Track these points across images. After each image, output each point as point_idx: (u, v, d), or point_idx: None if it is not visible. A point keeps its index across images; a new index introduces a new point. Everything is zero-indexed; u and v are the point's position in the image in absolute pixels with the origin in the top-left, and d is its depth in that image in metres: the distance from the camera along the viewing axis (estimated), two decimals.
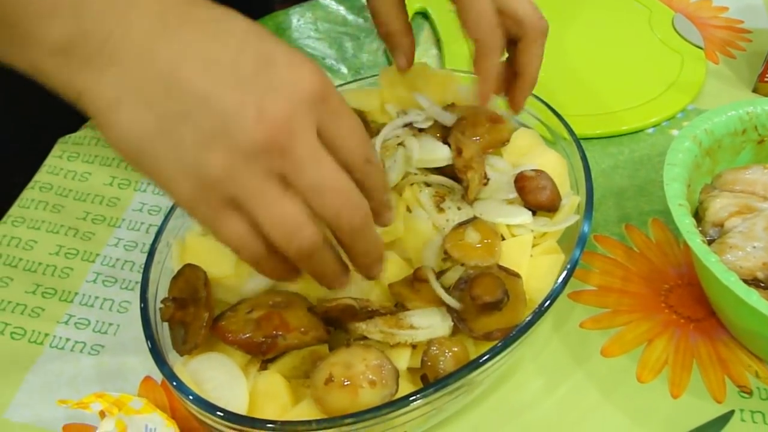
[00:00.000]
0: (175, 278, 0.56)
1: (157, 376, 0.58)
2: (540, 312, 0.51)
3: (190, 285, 0.54)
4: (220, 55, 0.42)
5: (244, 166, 0.41)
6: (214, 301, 0.54)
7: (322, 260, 0.46)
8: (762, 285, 0.57)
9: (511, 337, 0.50)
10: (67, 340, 0.63)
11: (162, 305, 0.54)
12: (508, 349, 0.50)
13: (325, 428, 0.46)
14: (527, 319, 0.51)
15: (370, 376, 0.49)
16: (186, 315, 0.53)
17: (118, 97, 0.41)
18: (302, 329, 0.51)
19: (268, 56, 0.42)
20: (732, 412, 0.56)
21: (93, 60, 0.41)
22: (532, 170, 0.61)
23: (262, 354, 0.51)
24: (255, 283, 0.56)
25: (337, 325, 0.53)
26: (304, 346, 0.52)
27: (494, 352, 0.49)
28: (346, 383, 0.48)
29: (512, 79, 0.63)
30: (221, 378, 0.50)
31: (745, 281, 0.54)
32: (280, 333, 0.51)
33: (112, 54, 0.41)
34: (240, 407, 0.49)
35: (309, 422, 0.46)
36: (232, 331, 0.50)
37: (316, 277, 0.48)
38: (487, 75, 0.60)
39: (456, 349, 0.51)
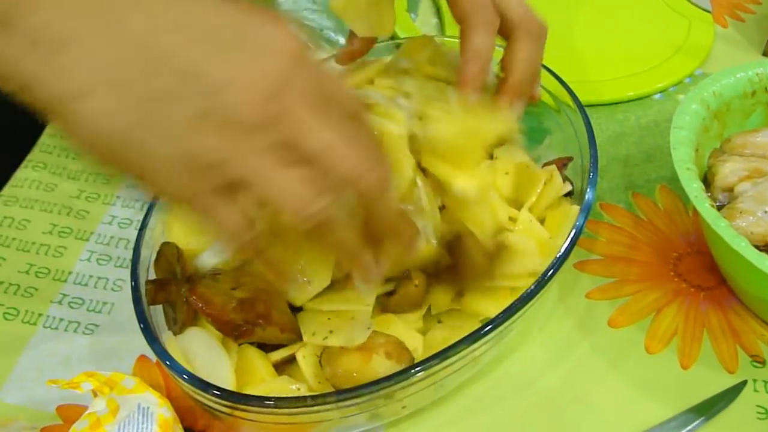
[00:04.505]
0: (156, 260, 0.54)
1: (152, 354, 0.57)
2: (543, 281, 0.50)
3: (169, 263, 0.53)
4: (196, 21, 0.37)
5: (243, 144, 0.37)
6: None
7: (340, 232, 0.41)
8: None
9: (513, 307, 0.48)
10: (61, 320, 0.62)
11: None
12: (511, 320, 0.48)
13: (320, 404, 0.45)
14: (530, 289, 0.49)
15: (389, 349, 0.48)
16: (169, 294, 0.52)
17: (84, 85, 0.35)
18: (281, 326, 0.50)
19: (244, 16, 0.38)
20: (744, 383, 0.55)
21: (41, 38, 0.35)
22: None
23: (234, 336, 0.49)
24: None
25: None
26: (275, 342, 0.51)
27: (496, 323, 0.48)
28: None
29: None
30: (206, 355, 0.49)
31: (757, 247, 0.52)
32: (261, 323, 0.49)
33: (66, 29, 0.35)
34: (227, 384, 0.48)
35: (304, 398, 0.45)
36: (211, 304, 0.48)
37: (337, 252, 0.44)
38: (472, 56, 0.54)
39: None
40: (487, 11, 0.54)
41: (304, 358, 0.50)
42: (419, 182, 0.53)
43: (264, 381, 0.49)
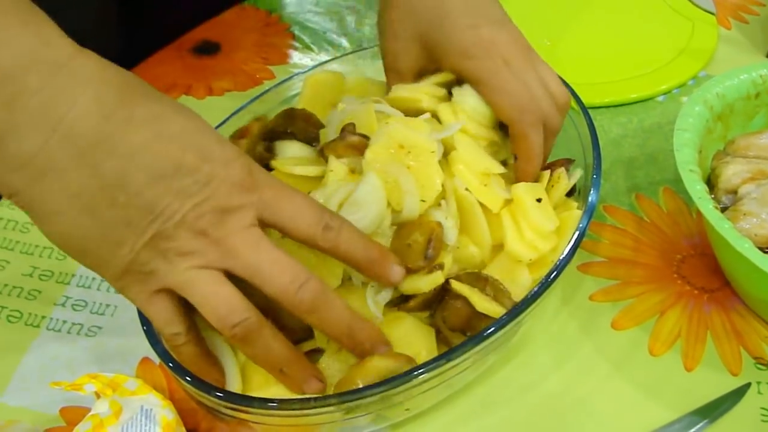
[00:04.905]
0: None
1: (155, 356, 0.57)
2: (546, 283, 0.50)
3: None
4: (164, 163, 0.42)
5: (182, 263, 0.43)
6: None
7: (264, 344, 0.45)
8: None
9: (516, 309, 0.48)
10: (64, 322, 0.62)
11: None
12: (514, 322, 0.48)
13: (323, 405, 0.44)
14: (533, 290, 0.49)
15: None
16: None
17: (58, 206, 0.41)
18: (294, 329, 0.49)
19: (206, 154, 0.43)
20: (748, 385, 0.55)
21: (30, 163, 0.40)
22: None
23: None
24: None
25: None
26: None
27: (500, 324, 0.48)
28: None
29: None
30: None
31: (761, 249, 0.52)
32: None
33: (51, 159, 0.40)
34: (232, 385, 0.48)
35: (307, 400, 0.45)
36: None
37: (262, 364, 0.47)
38: (528, 156, 0.57)
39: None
40: (535, 114, 0.56)
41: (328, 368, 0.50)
42: (448, 191, 0.54)
43: (269, 382, 0.48)
